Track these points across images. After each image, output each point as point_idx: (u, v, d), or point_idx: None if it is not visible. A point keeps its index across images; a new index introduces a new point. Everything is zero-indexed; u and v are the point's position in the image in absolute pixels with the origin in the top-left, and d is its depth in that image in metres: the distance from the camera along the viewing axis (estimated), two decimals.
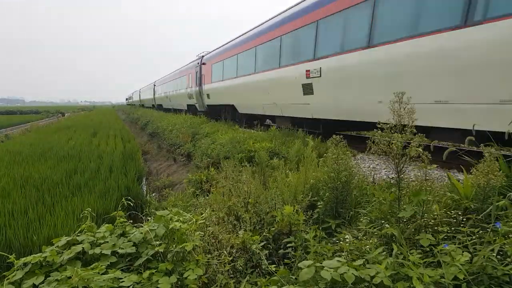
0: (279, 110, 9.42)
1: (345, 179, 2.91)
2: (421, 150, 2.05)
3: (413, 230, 2.07)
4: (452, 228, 2.08)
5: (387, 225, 2.22)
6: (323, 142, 6.24)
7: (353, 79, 6.21)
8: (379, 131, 2.18)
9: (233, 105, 13.14)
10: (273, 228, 2.69)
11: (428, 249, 1.93)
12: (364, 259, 1.85)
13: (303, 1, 7.87)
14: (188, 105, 20.66)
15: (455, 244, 1.89)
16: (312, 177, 3.43)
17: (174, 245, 2.06)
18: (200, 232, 2.28)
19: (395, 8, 5.36)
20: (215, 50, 15.56)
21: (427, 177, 2.27)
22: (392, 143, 2.11)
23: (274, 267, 2.15)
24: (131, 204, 2.77)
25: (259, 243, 2.42)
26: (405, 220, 2.21)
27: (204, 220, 2.42)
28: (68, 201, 5.04)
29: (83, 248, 1.99)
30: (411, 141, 2.09)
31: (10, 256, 1.91)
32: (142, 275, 1.83)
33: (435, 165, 2.38)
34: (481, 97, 4.06)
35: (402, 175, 2.21)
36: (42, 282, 1.75)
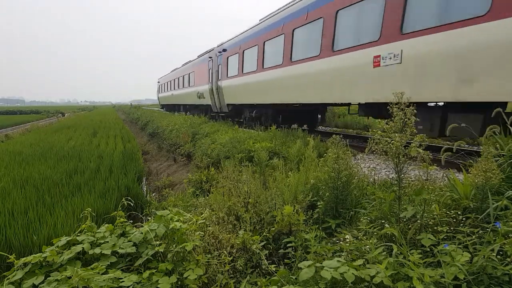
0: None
1: (346, 179, 2.91)
2: (422, 150, 2.05)
3: (414, 231, 2.07)
4: (452, 228, 2.09)
5: (387, 225, 2.23)
6: (323, 142, 6.26)
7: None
8: (379, 131, 2.18)
9: None
10: (273, 228, 2.69)
11: (428, 249, 1.93)
12: (364, 259, 1.85)
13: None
14: None
15: (455, 244, 1.89)
16: (312, 177, 3.43)
17: (174, 245, 2.06)
18: (200, 232, 2.28)
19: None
20: None
21: (428, 177, 2.27)
22: (392, 143, 2.11)
23: (274, 267, 2.15)
24: (131, 204, 2.77)
25: (259, 243, 2.42)
26: (405, 220, 2.21)
27: (204, 220, 2.42)
28: (68, 201, 5.03)
29: (83, 248, 1.99)
30: (412, 141, 2.09)
31: (10, 256, 1.90)
32: (142, 275, 1.83)
33: (435, 165, 2.38)
34: None
35: (402, 175, 2.21)
36: (42, 282, 1.75)
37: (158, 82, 33.54)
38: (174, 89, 24.63)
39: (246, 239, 2.42)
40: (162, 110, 32.56)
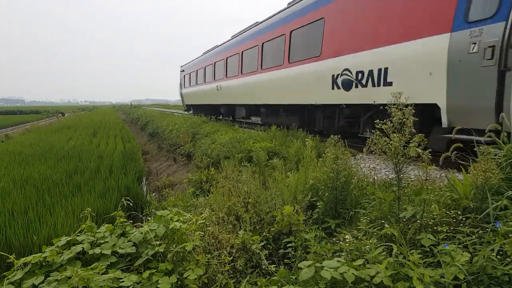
0: None
1: (345, 179, 2.91)
2: (421, 150, 2.05)
3: (414, 231, 2.07)
4: (452, 228, 2.09)
5: (387, 225, 2.23)
6: (322, 142, 6.27)
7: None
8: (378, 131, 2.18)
9: None
10: (273, 228, 2.69)
11: (428, 249, 1.94)
12: (364, 259, 1.85)
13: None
14: None
15: (455, 244, 1.89)
16: (311, 177, 3.43)
17: (174, 245, 2.06)
18: (200, 232, 2.28)
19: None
20: None
21: (427, 177, 2.27)
22: (391, 143, 2.11)
23: (274, 267, 2.15)
24: (131, 204, 2.77)
25: (259, 243, 2.42)
26: (405, 220, 2.21)
27: (204, 220, 2.42)
28: (68, 201, 5.03)
29: (83, 248, 1.99)
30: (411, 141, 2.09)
31: (10, 256, 1.91)
32: (142, 275, 1.83)
33: (434, 165, 2.38)
34: None
35: (401, 175, 2.21)
36: (42, 282, 1.75)
37: (182, 71, 21.58)
38: (222, 78, 13.96)
39: (246, 239, 2.42)
40: (189, 113, 20.50)
